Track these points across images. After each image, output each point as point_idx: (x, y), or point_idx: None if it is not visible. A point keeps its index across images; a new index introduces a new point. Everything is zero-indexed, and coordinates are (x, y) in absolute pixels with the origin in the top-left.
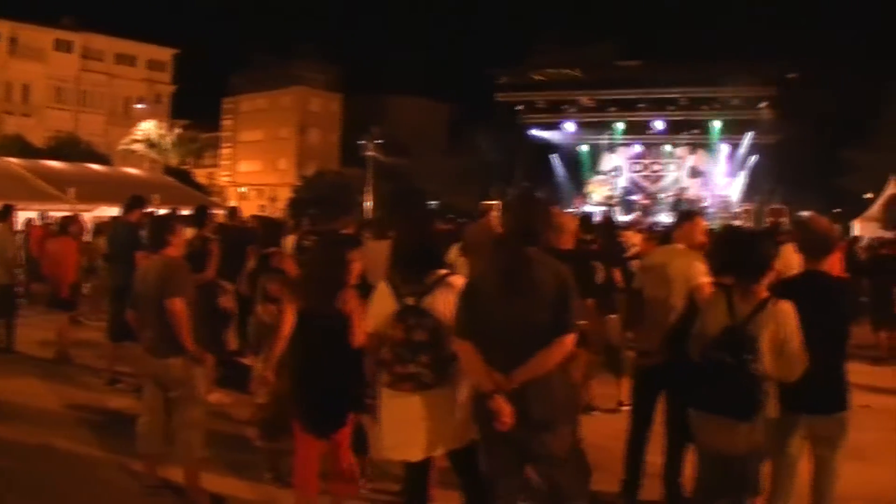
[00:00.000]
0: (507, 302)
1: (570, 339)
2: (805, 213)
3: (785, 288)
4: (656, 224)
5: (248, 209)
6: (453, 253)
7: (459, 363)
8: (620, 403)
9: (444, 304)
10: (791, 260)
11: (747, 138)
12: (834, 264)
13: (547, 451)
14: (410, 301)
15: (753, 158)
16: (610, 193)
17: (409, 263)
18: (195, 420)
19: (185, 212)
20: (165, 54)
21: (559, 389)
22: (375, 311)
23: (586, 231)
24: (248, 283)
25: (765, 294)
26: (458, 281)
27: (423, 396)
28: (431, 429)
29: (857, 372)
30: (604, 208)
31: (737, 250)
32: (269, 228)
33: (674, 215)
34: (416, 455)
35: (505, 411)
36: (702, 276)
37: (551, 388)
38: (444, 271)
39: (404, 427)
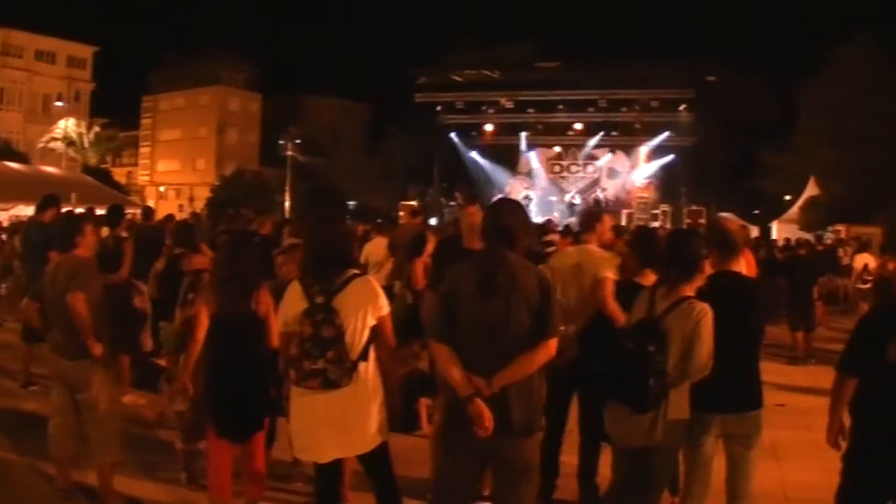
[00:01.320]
0: (486, 305)
1: (553, 344)
2: (724, 215)
3: (697, 288)
4: (571, 224)
5: (167, 209)
6: (370, 251)
7: (370, 365)
8: None
9: (353, 302)
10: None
11: (666, 140)
12: (746, 265)
13: (523, 458)
14: (320, 300)
15: (672, 160)
16: (528, 194)
17: (319, 263)
18: (107, 422)
19: (101, 211)
20: (86, 51)
21: (537, 394)
22: (286, 311)
23: None
24: (156, 285)
25: (688, 293)
26: (369, 281)
27: (330, 396)
28: (340, 430)
29: (773, 371)
30: None
31: (667, 250)
32: (178, 229)
33: (581, 216)
34: (324, 457)
35: (486, 416)
36: (608, 270)
37: (531, 392)
38: (353, 271)
39: (313, 428)
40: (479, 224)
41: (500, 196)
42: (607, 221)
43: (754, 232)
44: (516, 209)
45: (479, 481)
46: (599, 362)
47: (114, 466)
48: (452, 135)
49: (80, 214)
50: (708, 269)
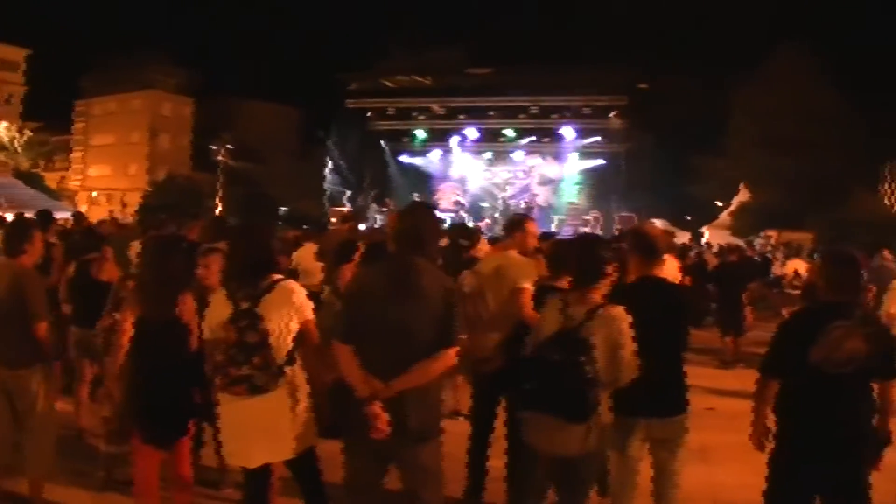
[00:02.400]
0: (393, 309)
1: (453, 353)
2: (651, 221)
3: (621, 293)
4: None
5: (99, 214)
6: (300, 257)
7: (296, 370)
8: (457, 412)
9: (277, 307)
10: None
11: (597, 146)
12: (672, 270)
13: (420, 463)
14: (244, 305)
15: (603, 166)
16: (459, 200)
17: (242, 269)
18: (44, 431)
19: (30, 215)
20: (17, 54)
21: (436, 401)
22: (211, 317)
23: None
24: (66, 291)
25: (599, 299)
26: (291, 286)
27: (257, 401)
28: (268, 435)
29: (703, 375)
30: (452, 215)
31: (574, 255)
32: (88, 234)
33: (505, 223)
34: (253, 462)
35: (381, 419)
36: (525, 280)
37: (429, 398)
38: (277, 276)
39: (241, 433)
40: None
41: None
42: (530, 228)
43: (685, 238)
44: (426, 214)
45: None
46: (526, 379)
47: (46, 474)
48: (383, 141)
49: (30, 219)
50: (611, 274)
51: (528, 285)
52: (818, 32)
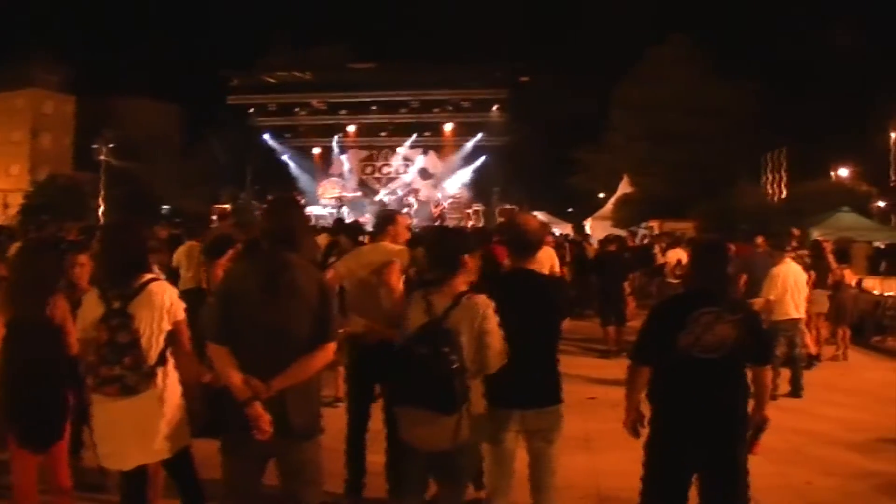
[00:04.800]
0: (267, 307)
1: (331, 348)
2: (535, 213)
3: (492, 284)
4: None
5: None
6: (181, 256)
7: (169, 370)
8: (339, 399)
9: (148, 307)
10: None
11: (478, 140)
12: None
13: (302, 460)
14: (116, 305)
15: (485, 160)
16: (341, 195)
17: (114, 268)
18: None
19: None
20: None
21: (316, 397)
22: (84, 317)
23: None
24: None
25: (461, 289)
26: (162, 286)
27: (129, 402)
28: (141, 436)
29: (586, 365)
30: (334, 210)
31: (431, 247)
32: None
33: (375, 219)
34: (128, 463)
35: (263, 419)
36: (395, 256)
37: (311, 396)
38: (149, 276)
39: (115, 435)
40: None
41: (277, 196)
42: (401, 222)
43: (567, 229)
44: (295, 209)
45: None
46: (395, 374)
47: None
48: (265, 137)
49: None
50: (471, 265)
51: (398, 261)
52: (699, 26)
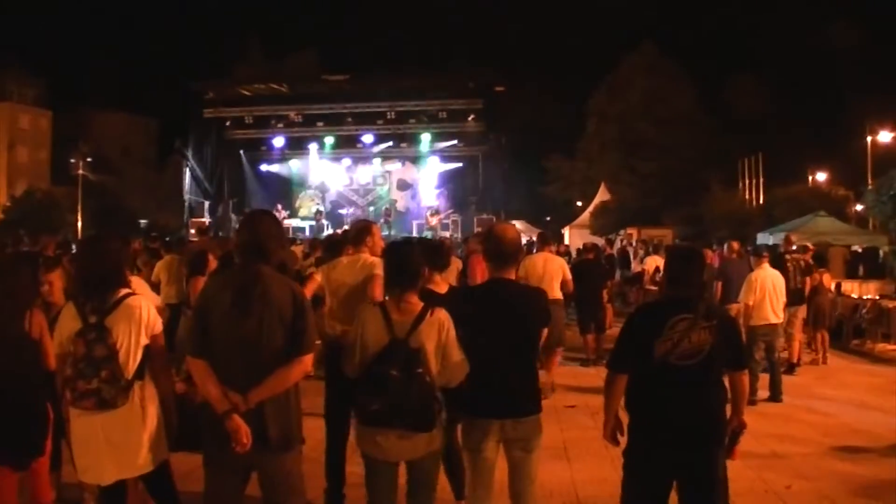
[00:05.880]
0: (243, 320)
1: (308, 360)
2: (515, 223)
3: (469, 295)
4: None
5: None
6: (161, 270)
7: (146, 384)
8: None
9: (125, 322)
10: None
11: (455, 150)
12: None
13: (283, 472)
14: (93, 319)
15: (462, 170)
16: (318, 208)
17: (90, 282)
18: None
19: None
20: None
21: (296, 408)
22: (61, 331)
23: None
24: None
25: (418, 304)
26: (139, 301)
27: (106, 416)
28: (118, 451)
29: (565, 373)
30: (312, 223)
31: (389, 260)
32: None
33: (352, 231)
34: (105, 478)
35: (242, 432)
36: (378, 268)
37: (289, 407)
38: (126, 290)
39: (93, 449)
40: None
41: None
42: (377, 233)
43: None
44: (270, 222)
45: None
46: (367, 398)
47: None
48: (242, 149)
49: None
50: (438, 279)
51: (380, 272)
52: (670, 35)
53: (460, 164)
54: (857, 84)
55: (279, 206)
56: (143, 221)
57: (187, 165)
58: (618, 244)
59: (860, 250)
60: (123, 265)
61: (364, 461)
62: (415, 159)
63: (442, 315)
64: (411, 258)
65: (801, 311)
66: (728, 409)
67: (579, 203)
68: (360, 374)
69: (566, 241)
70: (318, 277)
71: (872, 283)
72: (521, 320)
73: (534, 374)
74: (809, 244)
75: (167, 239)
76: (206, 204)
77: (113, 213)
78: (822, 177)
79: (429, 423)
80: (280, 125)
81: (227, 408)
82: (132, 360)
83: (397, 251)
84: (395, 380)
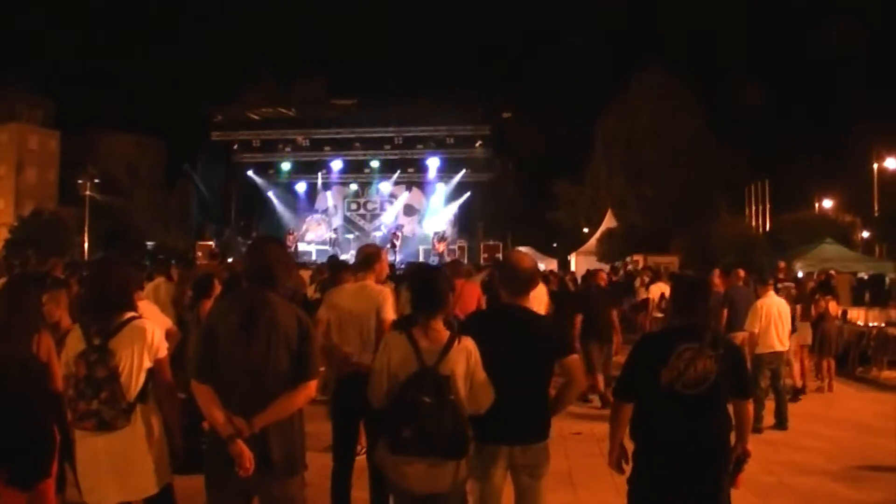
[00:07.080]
0: (247, 345)
1: (313, 385)
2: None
3: (480, 321)
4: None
5: None
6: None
7: (149, 407)
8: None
9: (129, 344)
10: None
11: (462, 176)
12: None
13: (285, 497)
14: (97, 341)
15: (468, 196)
16: (325, 233)
17: (96, 305)
18: None
19: None
20: None
21: (299, 434)
22: (67, 353)
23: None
24: None
25: (445, 332)
26: (145, 324)
27: (108, 438)
28: (121, 473)
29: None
30: (320, 247)
31: (417, 286)
32: None
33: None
34: (109, 501)
35: (246, 456)
36: (392, 312)
37: (293, 432)
38: (132, 313)
39: (95, 471)
40: None
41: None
42: (385, 258)
43: (552, 265)
44: (277, 248)
45: None
46: (399, 425)
47: None
48: (250, 173)
49: None
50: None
51: (391, 315)
52: (677, 60)
53: (467, 190)
54: (864, 111)
55: (291, 229)
56: (150, 243)
57: (195, 188)
58: (621, 272)
59: (866, 277)
60: (131, 289)
61: (392, 491)
62: (422, 184)
63: (469, 343)
64: (439, 284)
65: (796, 339)
66: (732, 436)
67: (586, 229)
68: (389, 402)
69: (573, 269)
70: (322, 314)
71: (878, 311)
72: (532, 346)
73: (545, 402)
74: (815, 271)
75: (160, 257)
76: (213, 226)
77: (120, 234)
78: (828, 203)
79: (461, 449)
80: (288, 149)
81: (230, 432)
82: (134, 383)
83: (425, 277)
84: (428, 406)
